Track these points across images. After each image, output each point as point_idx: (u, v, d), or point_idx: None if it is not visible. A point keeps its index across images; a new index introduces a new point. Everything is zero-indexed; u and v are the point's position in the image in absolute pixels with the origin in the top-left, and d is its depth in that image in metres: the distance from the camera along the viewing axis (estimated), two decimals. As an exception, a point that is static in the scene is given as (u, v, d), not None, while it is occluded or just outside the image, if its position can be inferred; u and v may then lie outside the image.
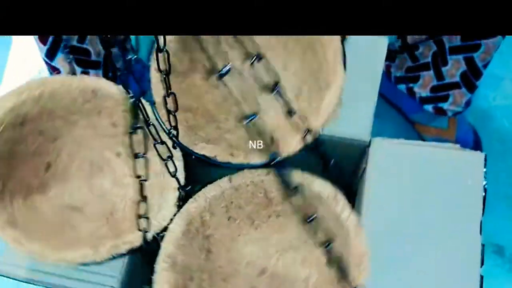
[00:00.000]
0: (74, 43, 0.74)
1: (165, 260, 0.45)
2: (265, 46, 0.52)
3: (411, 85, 0.86)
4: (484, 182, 0.57)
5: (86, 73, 0.78)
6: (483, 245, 0.53)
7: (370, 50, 0.64)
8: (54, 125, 0.53)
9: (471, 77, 0.77)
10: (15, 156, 0.51)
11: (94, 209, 0.53)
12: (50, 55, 0.74)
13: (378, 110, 0.66)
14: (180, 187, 0.47)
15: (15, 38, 1.06)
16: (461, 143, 0.92)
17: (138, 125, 0.48)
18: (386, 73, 0.90)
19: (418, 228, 0.54)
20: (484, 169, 0.58)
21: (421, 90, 0.84)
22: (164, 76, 0.43)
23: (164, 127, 0.47)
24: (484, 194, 0.57)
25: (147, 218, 0.47)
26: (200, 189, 0.48)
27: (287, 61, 0.55)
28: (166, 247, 0.45)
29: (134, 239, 0.47)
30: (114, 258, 0.46)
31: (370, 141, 0.61)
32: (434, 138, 0.93)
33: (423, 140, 0.95)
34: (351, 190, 0.63)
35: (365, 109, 0.63)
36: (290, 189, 0.47)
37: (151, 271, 0.45)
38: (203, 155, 0.47)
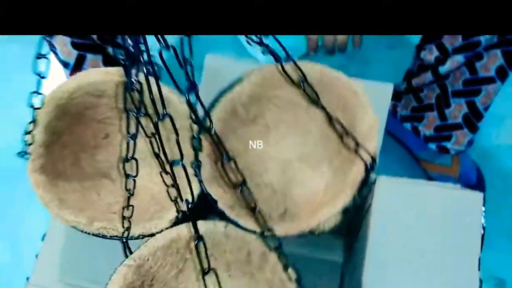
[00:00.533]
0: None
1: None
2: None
3: (416, 124, 0.90)
4: (483, 221, 0.61)
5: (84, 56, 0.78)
6: (481, 281, 0.57)
7: (377, 93, 0.69)
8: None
9: (472, 119, 0.82)
10: (82, 117, 0.57)
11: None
12: None
13: (385, 146, 0.71)
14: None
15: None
16: (465, 180, 0.97)
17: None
18: (393, 112, 0.95)
19: (419, 262, 0.58)
20: (483, 208, 0.62)
21: (426, 129, 0.89)
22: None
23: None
24: (482, 232, 0.61)
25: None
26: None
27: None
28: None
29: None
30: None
31: (375, 179, 0.65)
32: (438, 175, 0.97)
33: (428, 175, 1.00)
34: (357, 224, 0.67)
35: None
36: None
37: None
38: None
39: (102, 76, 0.55)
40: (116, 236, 0.51)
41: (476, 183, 0.97)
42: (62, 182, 0.54)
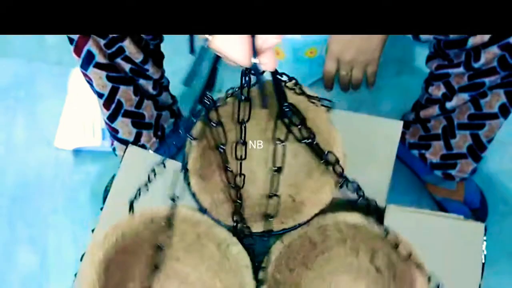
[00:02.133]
0: (132, 108, 0.87)
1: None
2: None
3: (423, 151, 0.96)
4: (484, 250, 0.67)
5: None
6: (480, 306, 0.62)
7: (388, 130, 0.75)
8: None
9: (476, 150, 0.88)
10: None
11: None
12: (84, 66, 0.81)
13: (394, 170, 0.76)
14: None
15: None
16: (469, 204, 1.02)
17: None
18: (401, 139, 1.00)
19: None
20: (484, 238, 0.68)
21: (432, 157, 0.94)
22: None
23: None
24: (483, 260, 0.66)
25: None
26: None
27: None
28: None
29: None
30: None
31: (385, 207, 0.71)
32: (443, 198, 1.03)
33: (434, 198, 1.05)
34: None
35: (382, 178, 0.73)
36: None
37: None
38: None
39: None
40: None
41: (480, 207, 1.03)
42: None
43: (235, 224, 0.54)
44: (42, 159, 1.17)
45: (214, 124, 0.51)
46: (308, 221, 0.58)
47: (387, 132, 0.75)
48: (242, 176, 0.55)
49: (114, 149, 0.96)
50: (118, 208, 0.64)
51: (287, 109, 0.51)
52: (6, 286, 1.06)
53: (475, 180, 1.06)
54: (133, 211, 0.57)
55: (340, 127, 0.64)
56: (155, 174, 0.57)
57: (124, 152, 0.75)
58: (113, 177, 1.10)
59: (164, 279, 0.60)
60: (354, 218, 0.56)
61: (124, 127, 0.89)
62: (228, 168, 0.54)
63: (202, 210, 0.57)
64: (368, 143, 0.73)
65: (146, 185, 0.57)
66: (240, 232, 0.55)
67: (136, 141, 0.92)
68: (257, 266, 0.56)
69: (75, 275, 0.64)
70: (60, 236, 1.09)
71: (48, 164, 1.16)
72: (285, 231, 0.58)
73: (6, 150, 1.19)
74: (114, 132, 0.90)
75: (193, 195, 0.57)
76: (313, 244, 0.60)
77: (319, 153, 0.56)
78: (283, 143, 0.56)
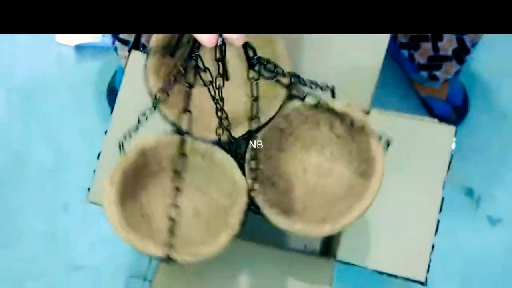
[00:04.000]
0: None
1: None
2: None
3: (412, 51, 1.00)
4: (453, 149, 0.75)
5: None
6: (443, 198, 0.72)
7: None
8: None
9: (461, 54, 0.92)
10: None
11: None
12: None
13: (385, 67, 0.81)
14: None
15: None
16: (451, 102, 1.09)
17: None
18: (393, 38, 1.04)
19: (397, 179, 0.72)
20: (454, 139, 0.76)
21: (420, 57, 0.99)
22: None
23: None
24: (450, 159, 0.74)
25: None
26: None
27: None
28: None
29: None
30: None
31: (369, 111, 0.78)
32: (427, 96, 1.09)
33: (419, 96, 1.12)
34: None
35: (367, 82, 0.78)
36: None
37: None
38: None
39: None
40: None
41: (461, 105, 1.10)
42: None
43: (218, 137, 0.61)
44: (45, 55, 1.20)
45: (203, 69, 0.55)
46: (275, 115, 0.65)
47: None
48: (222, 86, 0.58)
49: (115, 49, 0.99)
50: (126, 117, 0.71)
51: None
52: (25, 182, 1.14)
53: (461, 78, 1.12)
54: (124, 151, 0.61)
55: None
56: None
57: (127, 58, 0.79)
58: (114, 74, 1.15)
59: (159, 193, 0.66)
60: (310, 100, 0.63)
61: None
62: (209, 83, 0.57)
63: (181, 132, 0.62)
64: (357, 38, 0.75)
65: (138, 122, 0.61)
66: (222, 142, 0.62)
67: (137, 40, 0.95)
68: (242, 163, 0.63)
69: (94, 171, 0.73)
70: (71, 133, 1.16)
71: (52, 61, 1.20)
72: (261, 128, 0.65)
73: (11, 47, 1.22)
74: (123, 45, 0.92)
75: (165, 117, 0.61)
76: (281, 131, 0.68)
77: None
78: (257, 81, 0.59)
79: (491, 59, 1.16)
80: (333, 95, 0.61)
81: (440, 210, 0.72)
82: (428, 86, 1.07)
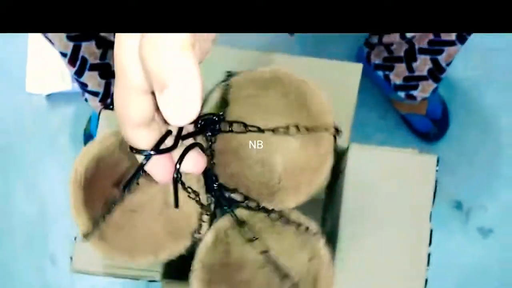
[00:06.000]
0: (97, 61, 0.87)
1: (198, 263, 0.63)
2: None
3: (387, 72, 0.99)
4: (435, 180, 0.74)
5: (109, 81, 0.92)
6: (431, 230, 0.71)
7: (347, 73, 0.78)
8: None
9: (436, 73, 0.91)
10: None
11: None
12: (78, 74, 0.87)
13: (362, 87, 0.79)
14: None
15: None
16: (431, 115, 1.09)
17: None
18: (367, 59, 1.03)
19: (383, 214, 0.71)
20: (437, 168, 0.75)
21: (395, 78, 0.98)
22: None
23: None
24: (434, 189, 0.74)
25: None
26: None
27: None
28: (200, 252, 0.63)
29: (187, 243, 0.63)
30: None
31: (348, 146, 0.77)
32: (407, 113, 1.09)
33: (399, 112, 1.11)
34: (333, 185, 0.80)
35: (344, 118, 0.78)
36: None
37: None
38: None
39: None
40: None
41: (441, 117, 1.09)
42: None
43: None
44: (17, 107, 1.18)
45: None
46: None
47: (347, 76, 0.78)
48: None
49: (86, 100, 0.98)
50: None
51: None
52: (12, 236, 1.13)
53: (440, 90, 1.11)
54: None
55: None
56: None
57: (100, 109, 0.77)
58: (89, 119, 1.13)
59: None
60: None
61: (93, 80, 0.90)
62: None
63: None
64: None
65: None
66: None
67: (107, 91, 0.94)
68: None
69: (75, 238, 0.71)
70: (52, 182, 1.15)
71: (25, 112, 1.18)
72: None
73: (-20, 99, 1.20)
74: (83, 86, 0.91)
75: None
76: None
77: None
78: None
79: (468, 68, 1.15)
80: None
81: (430, 243, 0.71)
82: (407, 103, 1.07)
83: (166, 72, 0.24)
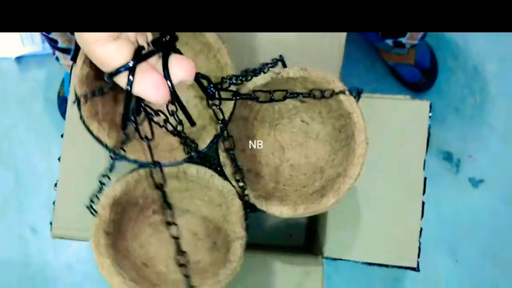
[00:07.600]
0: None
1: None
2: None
3: (374, 20, 0.95)
4: (428, 124, 0.71)
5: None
6: (425, 178, 0.69)
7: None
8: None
9: (425, 18, 0.87)
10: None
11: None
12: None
13: (349, 39, 0.76)
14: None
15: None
16: (419, 65, 1.05)
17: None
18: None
19: (375, 161, 0.69)
20: (430, 114, 0.72)
21: (383, 26, 0.94)
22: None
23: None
24: (428, 135, 0.71)
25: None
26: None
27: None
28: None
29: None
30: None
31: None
32: (395, 63, 1.05)
33: (387, 64, 1.07)
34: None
35: (332, 71, 0.74)
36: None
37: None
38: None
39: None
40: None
41: (430, 66, 1.06)
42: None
43: (188, 155, 0.55)
44: (-15, 70, 1.11)
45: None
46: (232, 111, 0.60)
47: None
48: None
49: (57, 58, 0.92)
50: (77, 142, 0.65)
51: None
52: None
53: (428, 39, 1.07)
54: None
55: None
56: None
57: (71, 67, 0.72)
58: (62, 81, 1.07)
59: (150, 233, 0.61)
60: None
61: (63, 35, 0.84)
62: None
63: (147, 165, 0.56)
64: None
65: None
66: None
67: (78, 47, 0.88)
68: (219, 170, 0.58)
69: (54, 203, 0.67)
70: (27, 150, 1.10)
71: (-7, 75, 1.11)
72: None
73: None
74: (53, 43, 0.85)
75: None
76: (245, 119, 0.63)
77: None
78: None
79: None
80: (284, 65, 0.56)
81: (424, 192, 0.69)
82: (395, 53, 1.03)
83: None
